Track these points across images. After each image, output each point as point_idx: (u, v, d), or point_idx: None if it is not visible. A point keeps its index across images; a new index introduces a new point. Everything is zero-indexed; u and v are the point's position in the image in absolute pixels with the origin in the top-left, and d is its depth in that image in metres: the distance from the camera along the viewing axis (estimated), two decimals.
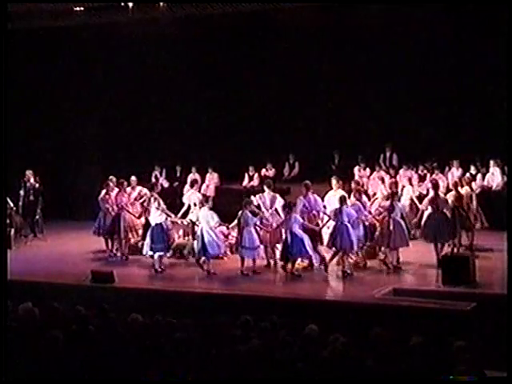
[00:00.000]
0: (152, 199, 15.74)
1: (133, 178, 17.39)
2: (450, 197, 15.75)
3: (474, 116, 19.73)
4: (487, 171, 19.01)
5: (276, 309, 11.57)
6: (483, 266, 13.75)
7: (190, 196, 16.61)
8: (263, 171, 20.78)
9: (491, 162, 18.90)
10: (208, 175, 20.95)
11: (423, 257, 15.16)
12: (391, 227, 14.69)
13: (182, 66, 21.94)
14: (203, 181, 21.04)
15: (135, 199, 16.93)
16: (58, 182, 21.91)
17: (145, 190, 16.93)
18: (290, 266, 14.67)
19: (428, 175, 18.67)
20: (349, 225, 14.56)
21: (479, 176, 18.98)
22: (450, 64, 19.75)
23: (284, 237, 14.76)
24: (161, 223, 15.37)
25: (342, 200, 14.84)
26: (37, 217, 18.97)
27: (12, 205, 18.02)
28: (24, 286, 13.71)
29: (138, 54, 21.96)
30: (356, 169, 19.93)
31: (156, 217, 15.42)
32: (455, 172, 19.12)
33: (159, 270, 15.27)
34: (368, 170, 19.82)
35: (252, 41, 21.43)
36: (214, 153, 21.82)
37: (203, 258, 15.11)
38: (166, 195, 18.65)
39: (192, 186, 17.18)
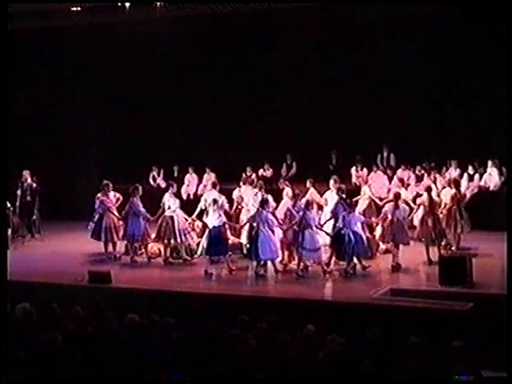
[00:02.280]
0: (211, 201, 15.40)
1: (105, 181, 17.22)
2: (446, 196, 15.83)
3: (471, 116, 19.76)
4: (485, 171, 19.03)
5: (274, 309, 11.56)
6: (480, 267, 13.74)
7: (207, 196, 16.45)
8: (261, 171, 20.79)
9: (489, 163, 18.92)
10: (205, 175, 20.95)
11: (420, 257, 15.16)
12: (394, 223, 14.71)
13: (179, 66, 21.96)
14: (200, 181, 21.06)
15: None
16: (55, 182, 21.89)
17: (118, 195, 16.91)
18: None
19: (425, 175, 18.67)
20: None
21: (477, 176, 19.00)
22: (448, 64, 19.79)
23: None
24: (219, 226, 14.95)
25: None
26: (34, 217, 18.96)
27: (9, 205, 17.99)
28: (21, 287, 13.68)
29: (135, 54, 21.96)
30: (353, 169, 19.94)
31: (214, 219, 15.07)
32: (453, 172, 19.13)
33: (210, 272, 14.95)
34: (365, 170, 19.84)
35: (249, 41, 21.45)
36: (212, 153, 21.83)
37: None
38: (163, 195, 18.66)
39: (214, 186, 16.90)
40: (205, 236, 15.07)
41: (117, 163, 21.83)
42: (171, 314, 10.20)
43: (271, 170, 21.03)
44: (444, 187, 16.62)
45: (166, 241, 16.12)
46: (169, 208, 16.15)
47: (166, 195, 16.38)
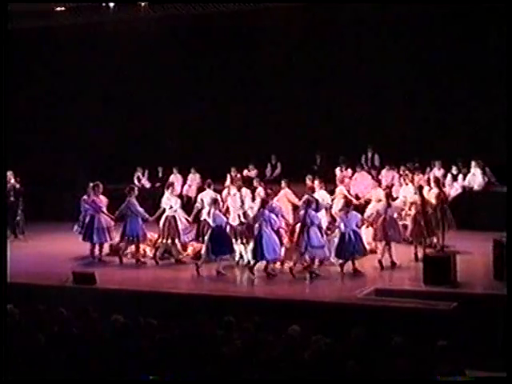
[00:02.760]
0: (211, 201, 15.33)
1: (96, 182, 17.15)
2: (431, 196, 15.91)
3: (455, 117, 19.85)
4: (468, 172, 19.11)
5: (259, 310, 11.56)
6: (464, 266, 13.80)
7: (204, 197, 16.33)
8: (245, 172, 20.78)
9: (472, 163, 19.02)
10: (190, 175, 20.92)
11: (404, 257, 15.21)
12: (387, 222, 14.82)
13: (164, 66, 21.95)
14: (185, 181, 21.03)
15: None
16: (39, 183, 21.80)
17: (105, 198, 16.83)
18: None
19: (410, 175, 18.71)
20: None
21: (460, 176, 19.09)
22: (431, 65, 19.85)
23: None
24: (221, 225, 14.86)
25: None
26: (18, 218, 18.87)
27: None
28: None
29: (119, 53, 21.93)
30: (338, 169, 19.97)
31: (217, 219, 14.92)
32: (437, 172, 19.20)
33: (222, 272, 14.86)
34: (350, 170, 19.87)
35: (233, 41, 21.45)
36: (196, 153, 21.81)
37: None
38: (148, 196, 18.66)
39: (209, 186, 16.74)
40: (208, 236, 14.90)
41: (102, 164, 21.76)
42: (156, 315, 10.18)
43: (256, 170, 21.02)
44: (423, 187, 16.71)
45: (170, 240, 16.06)
46: (170, 207, 16.10)
47: (167, 195, 16.32)
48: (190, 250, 16.56)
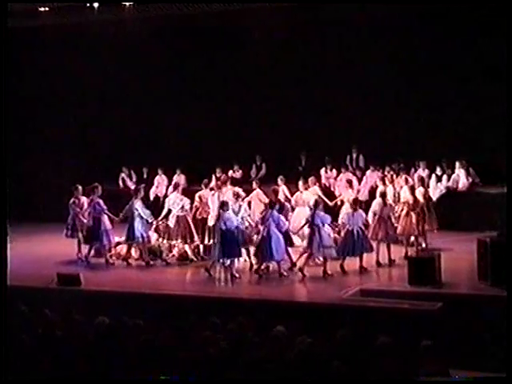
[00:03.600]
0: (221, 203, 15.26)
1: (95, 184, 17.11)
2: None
3: (440, 117, 19.91)
4: (453, 172, 19.19)
5: (244, 310, 11.55)
6: (449, 267, 13.85)
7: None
8: (230, 173, 20.75)
9: (457, 164, 19.10)
10: (175, 176, 20.89)
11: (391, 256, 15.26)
12: (384, 221, 15.08)
13: (150, 67, 21.90)
14: (170, 182, 20.98)
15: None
16: (25, 184, 21.72)
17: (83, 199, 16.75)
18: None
19: (394, 176, 18.75)
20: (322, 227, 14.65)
21: (445, 177, 19.16)
22: (415, 65, 19.90)
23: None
24: (232, 227, 14.70)
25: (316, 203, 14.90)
26: None
27: None
28: None
29: (105, 54, 21.86)
30: (323, 170, 20.00)
31: (227, 221, 14.79)
32: (421, 173, 19.26)
33: (236, 275, 14.77)
34: (335, 171, 19.91)
35: (219, 41, 21.40)
36: (181, 154, 21.78)
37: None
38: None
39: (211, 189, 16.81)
40: (218, 239, 14.74)
41: (87, 164, 21.72)
42: (141, 316, 10.15)
43: (241, 171, 21.02)
44: (401, 186, 16.82)
45: (182, 240, 16.14)
46: (182, 207, 16.12)
47: (173, 196, 16.38)
48: (175, 251, 16.55)
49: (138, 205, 16.14)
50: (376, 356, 8.28)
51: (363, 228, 14.83)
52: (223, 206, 14.86)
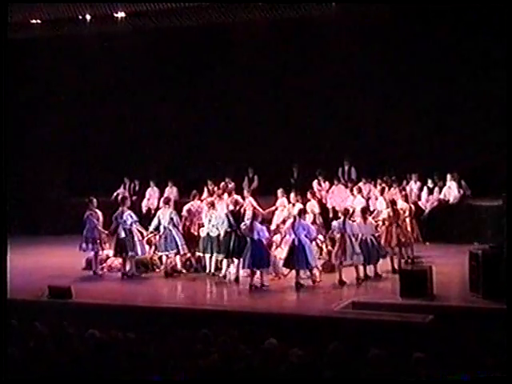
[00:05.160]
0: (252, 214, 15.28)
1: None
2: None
3: (431, 130, 19.96)
4: (444, 185, 19.24)
5: (235, 323, 11.53)
6: (440, 279, 13.86)
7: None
8: (222, 185, 20.73)
9: (448, 176, 19.15)
10: (167, 189, 20.88)
11: (380, 270, 15.26)
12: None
13: (141, 78, 21.94)
14: (162, 194, 20.97)
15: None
16: (18, 196, 21.68)
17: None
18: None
19: (386, 189, 18.80)
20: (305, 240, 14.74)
21: (436, 189, 19.21)
22: (409, 77, 19.93)
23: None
24: (261, 238, 14.76)
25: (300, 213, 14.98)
26: None
27: None
28: None
29: (98, 66, 21.88)
30: (315, 182, 20.01)
31: (259, 232, 14.88)
32: (413, 185, 19.33)
33: (263, 285, 14.72)
34: (327, 183, 19.92)
35: (210, 54, 21.47)
36: (173, 167, 21.78)
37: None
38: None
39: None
40: (248, 249, 14.70)
41: (79, 177, 21.72)
42: (132, 329, 10.12)
43: (233, 183, 20.98)
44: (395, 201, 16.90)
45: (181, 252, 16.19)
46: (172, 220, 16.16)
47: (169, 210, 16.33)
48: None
49: (126, 215, 16.13)
50: (367, 369, 8.26)
51: (375, 236, 15.10)
52: (255, 216, 14.96)
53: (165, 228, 16.07)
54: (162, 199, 17.25)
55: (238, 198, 16.62)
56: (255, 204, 16.64)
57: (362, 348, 8.86)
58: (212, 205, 16.03)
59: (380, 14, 18.73)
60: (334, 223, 15.39)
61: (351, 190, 18.26)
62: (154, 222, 16.38)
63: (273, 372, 8.31)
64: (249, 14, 19.04)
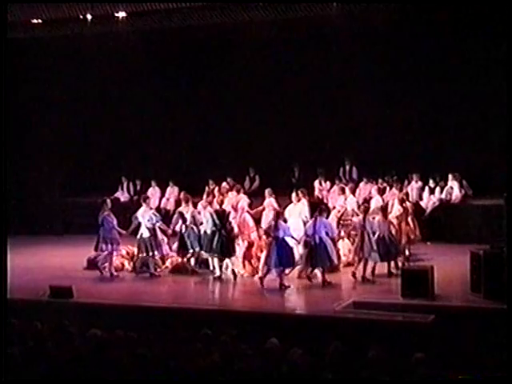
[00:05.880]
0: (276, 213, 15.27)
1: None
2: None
3: (432, 129, 19.95)
4: (445, 185, 19.24)
5: (236, 323, 11.53)
6: (441, 279, 13.85)
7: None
8: (224, 184, 20.73)
9: (450, 176, 19.16)
10: (169, 189, 20.89)
11: (381, 270, 15.26)
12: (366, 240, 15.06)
13: (142, 78, 21.91)
14: (163, 194, 21.00)
15: None
16: (16, 196, 21.68)
17: None
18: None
19: (388, 188, 18.80)
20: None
21: (438, 189, 19.21)
22: (410, 78, 19.93)
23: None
24: (285, 237, 14.75)
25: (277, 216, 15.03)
26: None
27: None
28: None
29: (97, 67, 21.88)
30: (316, 182, 20.01)
31: (286, 230, 14.91)
32: (414, 185, 19.33)
33: (286, 285, 14.66)
34: (328, 183, 19.92)
35: (210, 55, 21.46)
36: (175, 166, 21.79)
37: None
38: (125, 209, 18.62)
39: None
40: (272, 248, 14.67)
41: (78, 177, 21.70)
42: (133, 329, 10.12)
43: (234, 183, 20.97)
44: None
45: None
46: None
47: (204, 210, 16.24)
48: (168, 263, 16.52)
49: (150, 214, 16.09)
50: (368, 369, 8.26)
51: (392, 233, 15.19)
52: (279, 215, 15.01)
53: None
54: (182, 197, 17.18)
55: (245, 197, 16.68)
56: (275, 205, 16.64)
57: (363, 348, 8.86)
58: (210, 204, 16.12)
59: (380, 14, 18.70)
60: (355, 220, 15.57)
61: (342, 190, 18.24)
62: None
63: (274, 372, 8.31)
64: (250, 14, 19.02)
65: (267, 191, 17.03)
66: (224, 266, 15.70)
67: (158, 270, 16.39)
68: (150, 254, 16.04)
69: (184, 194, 17.03)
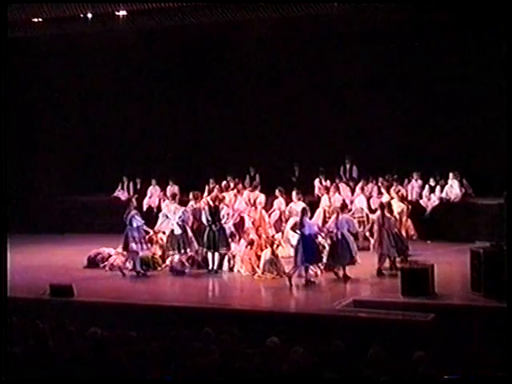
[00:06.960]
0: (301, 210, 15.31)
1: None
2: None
3: (433, 128, 19.95)
4: (446, 183, 19.23)
5: (237, 321, 11.54)
6: (442, 278, 13.86)
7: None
8: (224, 183, 20.73)
9: (450, 175, 19.15)
10: (169, 187, 20.88)
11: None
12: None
13: (143, 77, 21.92)
14: (163, 193, 20.97)
15: None
16: (16, 195, 21.68)
17: None
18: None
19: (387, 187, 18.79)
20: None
21: (438, 188, 19.21)
22: (409, 77, 19.93)
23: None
24: (311, 233, 14.84)
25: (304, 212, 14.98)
26: None
27: None
28: None
29: (99, 64, 21.88)
30: (316, 181, 20.00)
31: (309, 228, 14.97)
32: (415, 184, 19.33)
33: (310, 281, 14.70)
34: (328, 182, 19.91)
35: (211, 54, 21.45)
36: (175, 165, 21.79)
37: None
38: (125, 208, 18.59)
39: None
40: (300, 244, 14.74)
41: (78, 175, 21.70)
42: (134, 327, 10.13)
43: (234, 182, 20.97)
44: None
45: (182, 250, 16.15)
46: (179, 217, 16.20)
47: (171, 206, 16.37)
48: (168, 262, 16.52)
49: (181, 211, 16.15)
50: (369, 367, 8.26)
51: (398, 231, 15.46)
52: (304, 211, 15.05)
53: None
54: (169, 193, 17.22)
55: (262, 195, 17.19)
56: (280, 205, 17.07)
57: (364, 346, 8.87)
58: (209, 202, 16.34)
59: (381, 15, 18.68)
60: (373, 217, 15.82)
61: (326, 189, 18.37)
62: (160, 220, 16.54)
63: (274, 371, 8.31)
64: (251, 13, 18.99)
65: (277, 190, 17.27)
66: (224, 265, 15.72)
67: (159, 268, 16.39)
68: (182, 251, 16.04)
69: (175, 190, 17.05)
